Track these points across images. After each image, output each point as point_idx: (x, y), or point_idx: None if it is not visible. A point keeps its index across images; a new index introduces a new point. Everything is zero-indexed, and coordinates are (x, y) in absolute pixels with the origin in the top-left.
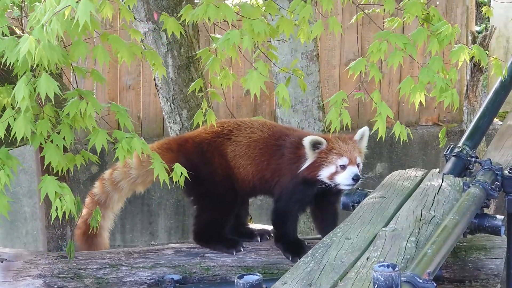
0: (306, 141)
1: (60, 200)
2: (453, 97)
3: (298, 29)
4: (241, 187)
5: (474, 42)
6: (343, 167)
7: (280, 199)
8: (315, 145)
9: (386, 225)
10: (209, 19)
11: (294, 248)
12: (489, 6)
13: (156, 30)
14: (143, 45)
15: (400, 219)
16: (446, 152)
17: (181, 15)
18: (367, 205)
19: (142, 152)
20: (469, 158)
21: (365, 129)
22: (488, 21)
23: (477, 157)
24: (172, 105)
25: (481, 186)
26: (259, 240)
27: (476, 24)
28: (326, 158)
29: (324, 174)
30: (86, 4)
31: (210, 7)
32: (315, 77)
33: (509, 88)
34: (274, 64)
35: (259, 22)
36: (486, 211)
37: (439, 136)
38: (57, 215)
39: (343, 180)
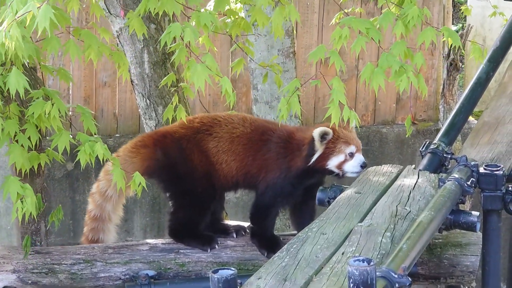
0: (316, 133)
1: (22, 202)
2: (419, 82)
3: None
4: (223, 182)
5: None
6: (351, 155)
7: (265, 194)
8: (323, 136)
9: (361, 221)
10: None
11: (270, 244)
12: (466, 5)
13: None
14: (119, 41)
15: (375, 214)
16: (421, 149)
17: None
18: (342, 201)
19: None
20: (444, 155)
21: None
22: (465, 20)
23: (452, 154)
24: (148, 101)
25: (456, 182)
26: (235, 236)
27: (453, 24)
28: (334, 148)
29: (333, 163)
30: (46, 10)
31: (150, 1)
32: (291, 74)
33: (484, 85)
34: (250, 59)
35: (206, 14)
36: (462, 207)
37: (405, 124)
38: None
39: (352, 167)
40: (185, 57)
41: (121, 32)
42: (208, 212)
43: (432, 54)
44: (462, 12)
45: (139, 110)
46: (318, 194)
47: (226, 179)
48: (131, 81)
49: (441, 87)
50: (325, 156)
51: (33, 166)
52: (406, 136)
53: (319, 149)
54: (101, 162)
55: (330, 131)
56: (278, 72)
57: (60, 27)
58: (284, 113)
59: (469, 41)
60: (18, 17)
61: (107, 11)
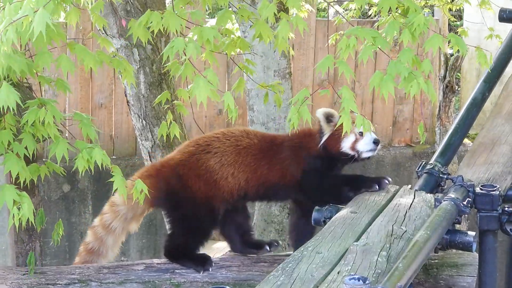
0: (319, 114)
1: (18, 209)
2: (428, 88)
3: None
4: (226, 197)
5: (446, 63)
6: (361, 134)
7: (308, 177)
8: (328, 117)
9: (357, 240)
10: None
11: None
12: (462, 27)
13: (128, 47)
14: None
15: (371, 234)
16: (418, 169)
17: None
18: (338, 220)
19: (102, 163)
20: (441, 175)
21: None
22: None
23: (449, 174)
24: (143, 122)
25: (452, 202)
26: (268, 249)
27: (450, 47)
28: (342, 129)
29: (346, 145)
30: (43, 14)
31: (153, 14)
32: (287, 95)
33: (480, 106)
34: (249, 77)
35: (208, 29)
36: (458, 228)
37: (418, 131)
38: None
39: (365, 145)
40: (192, 73)
41: (117, 53)
42: (206, 237)
43: (428, 77)
44: (459, 35)
45: (135, 131)
46: (314, 214)
47: (231, 193)
48: (127, 101)
49: (437, 109)
50: (336, 140)
51: (33, 180)
52: (421, 142)
53: (327, 131)
54: (100, 167)
55: (335, 112)
56: (279, 92)
57: (54, 42)
58: (295, 122)
59: (474, 46)
60: (14, 21)
61: (103, 32)
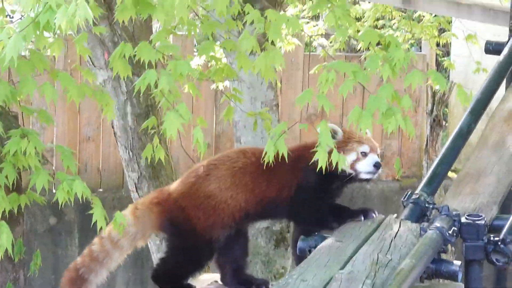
0: None
1: None
2: (406, 124)
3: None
4: (227, 222)
5: (433, 97)
6: (364, 154)
7: (301, 194)
8: (332, 133)
9: (342, 268)
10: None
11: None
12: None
13: (115, 78)
14: (101, 90)
15: (356, 262)
16: (403, 199)
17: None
18: (323, 249)
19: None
20: (426, 205)
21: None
22: (449, 79)
23: (434, 204)
24: (130, 153)
25: (438, 231)
26: None
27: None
28: (345, 146)
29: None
30: (17, 41)
31: (126, 47)
32: (274, 126)
33: (466, 137)
34: (237, 106)
35: (183, 63)
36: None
37: (394, 166)
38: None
39: (365, 167)
40: (170, 104)
41: (104, 84)
42: (199, 269)
43: (415, 111)
44: (446, 71)
45: (122, 162)
46: (299, 244)
47: (233, 215)
48: (114, 133)
49: (424, 143)
50: None
51: (13, 209)
52: (397, 177)
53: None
54: (80, 199)
55: (339, 129)
56: (267, 119)
57: (37, 70)
58: (270, 155)
59: (456, 83)
60: None
61: (91, 63)
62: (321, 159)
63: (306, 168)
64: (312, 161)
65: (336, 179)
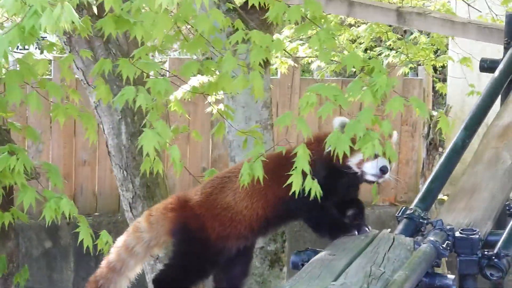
0: (336, 122)
1: None
2: (387, 150)
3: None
4: (247, 231)
5: (430, 120)
6: (375, 156)
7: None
8: (343, 127)
9: (335, 280)
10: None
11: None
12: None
13: None
14: (96, 112)
15: (349, 274)
16: (398, 214)
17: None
18: (316, 262)
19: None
20: (421, 220)
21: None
22: (445, 103)
23: (429, 219)
24: (125, 172)
25: (431, 245)
26: None
27: (433, 109)
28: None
29: (353, 160)
30: (1, 43)
31: (106, 62)
32: (269, 145)
33: (460, 153)
34: (228, 130)
35: (161, 81)
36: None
37: (371, 192)
38: None
39: (370, 168)
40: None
41: (99, 103)
42: (202, 278)
43: (412, 137)
44: (443, 97)
45: (117, 181)
46: (292, 258)
47: (250, 225)
48: (108, 152)
49: (421, 166)
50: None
51: (4, 224)
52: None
53: None
54: (68, 218)
55: None
56: (257, 137)
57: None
58: (245, 179)
59: (438, 111)
60: None
61: (85, 82)
62: (294, 184)
63: (318, 160)
64: (325, 151)
65: (343, 174)
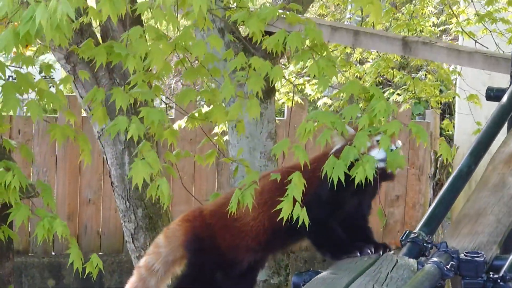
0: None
1: None
2: (395, 157)
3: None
4: (254, 243)
5: (436, 161)
6: (378, 142)
7: (311, 206)
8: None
9: None
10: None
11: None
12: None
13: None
14: (100, 143)
15: None
16: (401, 238)
17: None
18: (317, 280)
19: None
20: (425, 244)
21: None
22: (453, 142)
23: (433, 242)
24: (127, 203)
25: (435, 265)
26: None
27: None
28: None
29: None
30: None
31: (99, 91)
32: None
33: (465, 179)
34: (221, 154)
35: (155, 112)
36: None
37: (377, 214)
38: None
39: (379, 154)
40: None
41: (102, 133)
42: None
43: (419, 180)
44: (451, 138)
45: (119, 212)
46: (294, 279)
47: (257, 237)
48: (111, 182)
49: (429, 196)
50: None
51: (7, 243)
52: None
53: (340, 142)
54: (59, 239)
55: (350, 128)
56: (245, 165)
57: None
58: (234, 206)
59: (439, 139)
60: None
61: (89, 111)
62: (284, 211)
63: (325, 177)
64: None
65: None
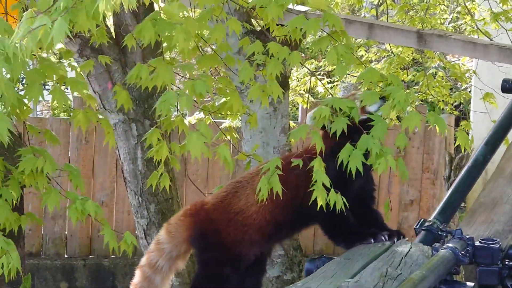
0: (308, 117)
1: (6, 256)
2: (399, 166)
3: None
4: (258, 237)
5: (451, 162)
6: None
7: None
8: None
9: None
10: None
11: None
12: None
13: (126, 122)
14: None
15: (364, 274)
16: (416, 226)
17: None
18: (331, 264)
19: (93, 216)
20: (439, 232)
21: None
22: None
23: (448, 230)
24: (140, 198)
25: (450, 251)
26: None
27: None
28: (353, 96)
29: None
30: (62, 24)
31: (143, 68)
32: None
33: (481, 168)
34: (235, 148)
35: (200, 83)
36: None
37: (383, 209)
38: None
39: (376, 107)
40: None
41: (115, 128)
42: (226, 284)
43: (433, 184)
44: (464, 129)
45: (131, 208)
46: (307, 265)
47: (261, 231)
48: (124, 178)
49: None
50: None
51: (13, 230)
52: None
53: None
54: (92, 219)
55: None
56: (259, 161)
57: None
58: (264, 192)
59: (457, 130)
60: (34, 29)
61: (102, 106)
62: (319, 199)
63: (327, 150)
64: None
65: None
